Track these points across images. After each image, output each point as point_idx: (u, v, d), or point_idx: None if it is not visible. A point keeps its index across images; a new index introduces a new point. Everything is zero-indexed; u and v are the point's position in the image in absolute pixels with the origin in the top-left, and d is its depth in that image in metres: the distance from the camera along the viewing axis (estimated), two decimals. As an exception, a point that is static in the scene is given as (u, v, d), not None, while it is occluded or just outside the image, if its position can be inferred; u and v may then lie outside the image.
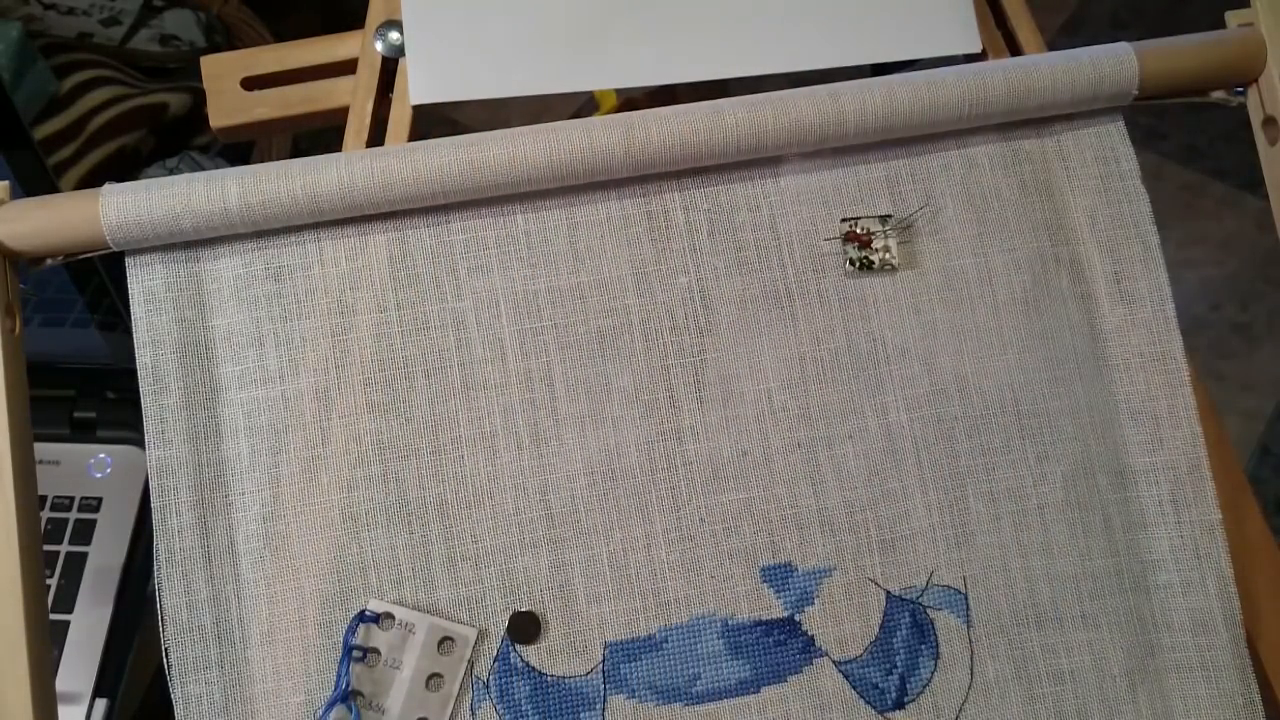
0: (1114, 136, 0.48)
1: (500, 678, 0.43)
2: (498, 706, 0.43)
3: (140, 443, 0.70)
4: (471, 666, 0.43)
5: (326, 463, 0.44)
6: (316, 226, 0.45)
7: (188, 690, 0.42)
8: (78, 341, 0.69)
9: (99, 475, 0.70)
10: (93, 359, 0.71)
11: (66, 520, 0.68)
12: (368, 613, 0.42)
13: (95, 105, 0.87)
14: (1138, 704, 0.45)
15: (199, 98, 0.87)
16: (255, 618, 0.43)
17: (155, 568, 0.42)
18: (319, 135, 0.53)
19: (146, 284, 0.44)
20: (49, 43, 0.88)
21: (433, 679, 0.43)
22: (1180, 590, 0.45)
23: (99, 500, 0.69)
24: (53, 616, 0.66)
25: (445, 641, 0.43)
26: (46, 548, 0.67)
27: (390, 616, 0.43)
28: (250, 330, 0.44)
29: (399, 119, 0.48)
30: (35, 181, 0.62)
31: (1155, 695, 0.45)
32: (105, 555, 0.67)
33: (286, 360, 0.44)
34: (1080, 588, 0.45)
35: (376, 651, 0.42)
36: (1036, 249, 0.47)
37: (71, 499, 0.69)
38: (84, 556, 0.67)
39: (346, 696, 0.41)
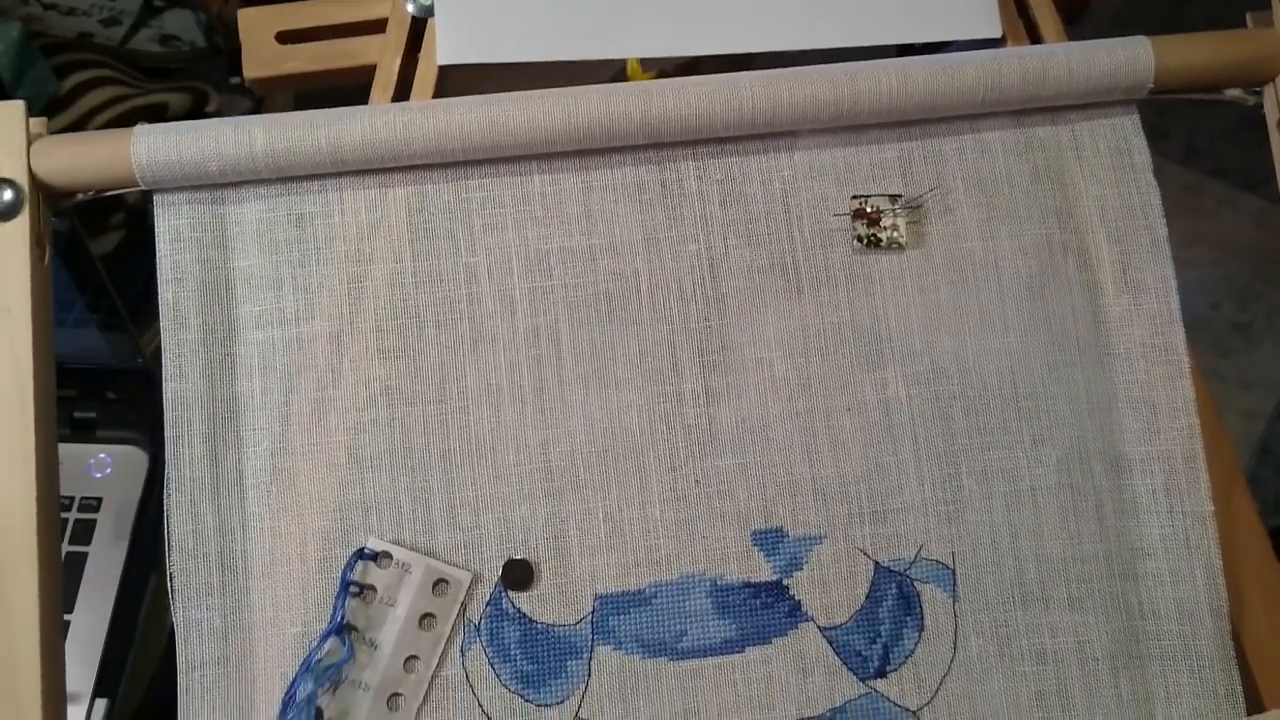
0: (1128, 129, 0.48)
1: (491, 621, 0.44)
2: (487, 649, 0.44)
3: (140, 443, 0.69)
4: (464, 609, 0.44)
5: (335, 405, 0.45)
6: (339, 176, 0.46)
7: (189, 615, 0.43)
8: (78, 341, 0.68)
9: (99, 475, 0.70)
10: (93, 359, 0.70)
11: (66, 520, 0.68)
12: (366, 550, 0.44)
13: (96, 105, 0.87)
14: (1119, 688, 0.45)
15: (199, 98, 0.88)
16: (258, 550, 0.44)
17: (165, 495, 0.44)
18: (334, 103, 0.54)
19: (172, 223, 0.46)
20: (49, 43, 0.88)
21: (426, 618, 0.44)
22: (1168, 579, 0.46)
23: (99, 500, 0.69)
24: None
25: (440, 583, 0.44)
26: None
27: (388, 555, 0.44)
28: (270, 273, 0.46)
29: (424, 78, 0.49)
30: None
31: (1137, 681, 0.45)
32: (105, 555, 0.67)
33: (303, 304, 0.45)
34: (1068, 571, 0.45)
35: (373, 588, 0.44)
36: (1044, 235, 0.47)
37: (71, 499, 0.68)
38: (84, 556, 0.67)
39: (341, 629, 0.43)
